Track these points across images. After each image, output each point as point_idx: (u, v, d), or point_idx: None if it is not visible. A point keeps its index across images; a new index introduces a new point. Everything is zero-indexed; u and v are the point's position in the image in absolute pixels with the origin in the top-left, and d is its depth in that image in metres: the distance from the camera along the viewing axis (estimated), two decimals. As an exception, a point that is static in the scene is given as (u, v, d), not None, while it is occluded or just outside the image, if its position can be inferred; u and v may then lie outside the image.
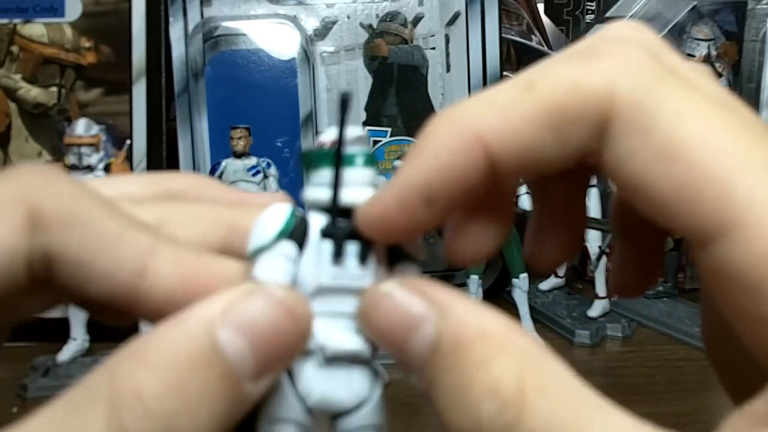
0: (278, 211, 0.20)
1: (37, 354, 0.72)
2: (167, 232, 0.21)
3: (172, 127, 0.84)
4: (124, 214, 0.20)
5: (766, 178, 0.16)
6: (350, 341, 0.20)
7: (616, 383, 0.69)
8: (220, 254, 0.21)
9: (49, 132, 0.84)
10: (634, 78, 0.18)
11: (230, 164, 0.78)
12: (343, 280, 0.20)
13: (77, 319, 0.72)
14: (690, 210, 0.17)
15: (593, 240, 0.83)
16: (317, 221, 0.20)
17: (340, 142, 0.20)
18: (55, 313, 0.69)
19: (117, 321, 0.22)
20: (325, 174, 0.20)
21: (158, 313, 0.19)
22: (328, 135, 0.21)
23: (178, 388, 0.16)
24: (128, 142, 0.82)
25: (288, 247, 0.20)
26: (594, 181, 0.84)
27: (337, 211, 0.20)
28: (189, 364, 0.16)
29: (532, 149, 0.19)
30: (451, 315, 0.18)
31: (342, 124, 0.20)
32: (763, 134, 0.18)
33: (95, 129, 0.75)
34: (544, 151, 0.19)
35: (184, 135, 0.83)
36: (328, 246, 0.20)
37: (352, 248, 0.20)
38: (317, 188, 0.21)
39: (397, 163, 0.82)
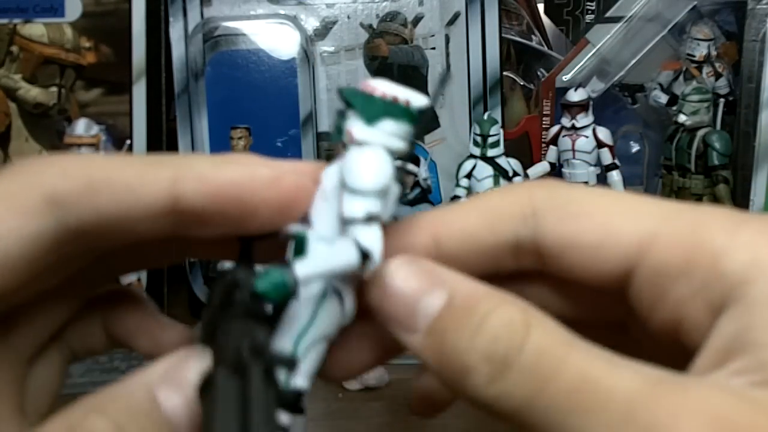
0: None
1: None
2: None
3: (172, 127, 0.84)
4: (137, 160, 0.22)
5: None
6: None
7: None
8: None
9: (49, 132, 0.84)
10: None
11: (230, 164, 0.78)
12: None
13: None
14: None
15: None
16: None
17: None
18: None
19: (175, 259, 0.29)
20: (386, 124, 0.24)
21: (204, 233, 0.23)
22: (382, 85, 0.24)
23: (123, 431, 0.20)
24: (128, 142, 0.82)
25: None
26: (593, 181, 0.85)
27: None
28: (132, 415, 0.20)
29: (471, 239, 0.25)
30: (461, 281, 0.22)
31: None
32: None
33: (95, 129, 0.75)
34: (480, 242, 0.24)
35: (184, 135, 0.83)
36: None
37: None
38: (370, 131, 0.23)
39: (396, 162, 0.82)
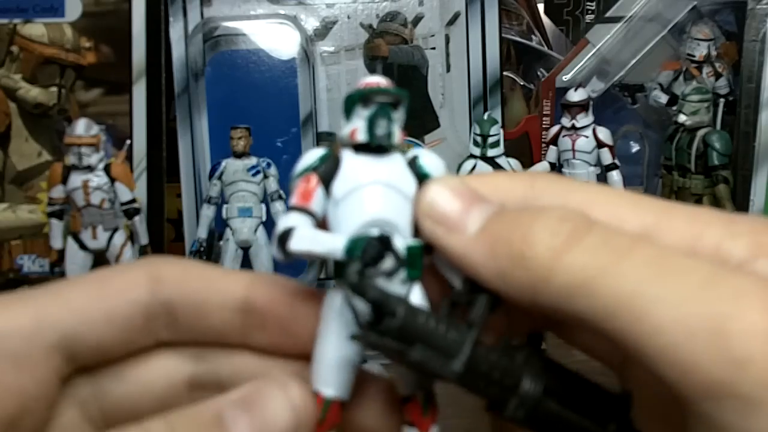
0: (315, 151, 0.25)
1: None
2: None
3: (172, 127, 0.84)
4: (222, 267, 0.28)
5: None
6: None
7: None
8: None
9: (49, 132, 0.84)
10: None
11: (230, 164, 0.78)
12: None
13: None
14: None
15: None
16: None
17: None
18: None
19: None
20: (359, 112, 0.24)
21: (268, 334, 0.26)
22: (369, 79, 0.25)
23: None
24: (128, 142, 0.82)
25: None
26: (593, 180, 0.84)
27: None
28: (193, 426, 0.22)
29: None
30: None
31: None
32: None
33: (95, 129, 0.75)
34: None
35: (184, 135, 0.83)
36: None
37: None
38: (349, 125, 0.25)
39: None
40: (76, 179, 0.75)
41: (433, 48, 0.87)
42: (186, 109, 0.83)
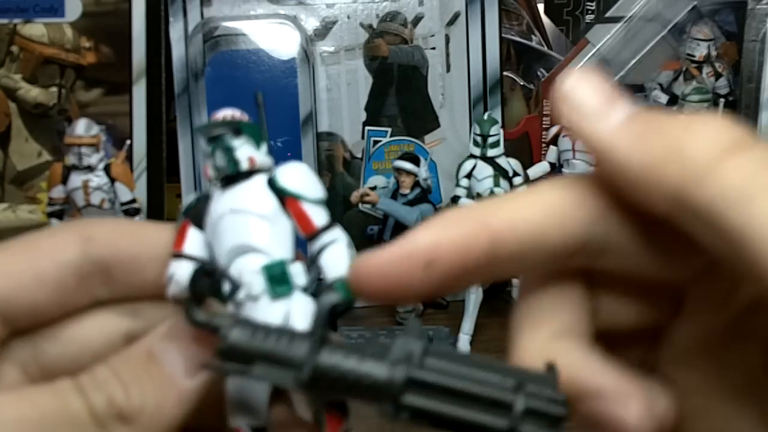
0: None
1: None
2: None
3: (172, 127, 0.84)
4: (150, 223, 0.28)
5: None
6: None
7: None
8: None
9: (49, 132, 0.84)
10: None
11: (230, 164, 0.78)
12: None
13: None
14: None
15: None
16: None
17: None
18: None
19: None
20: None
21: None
22: (216, 113, 0.26)
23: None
24: (128, 142, 0.82)
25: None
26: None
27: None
28: (129, 364, 0.24)
29: (535, 234, 0.21)
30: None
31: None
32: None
33: (95, 129, 0.75)
34: (545, 238, 0.21)
35: (184, 135, 0.83)
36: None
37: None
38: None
39: (396, 163, 0.82)
40: (76, 179, 0.75)
41: (433, 48, 0.87)
42: (186, 109, 0.83)
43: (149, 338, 0.24)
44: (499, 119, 0.83)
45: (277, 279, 0.24)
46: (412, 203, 0.81)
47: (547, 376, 0.20)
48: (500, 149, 0.80)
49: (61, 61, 0.83)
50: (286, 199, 0.25)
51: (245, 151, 0.25)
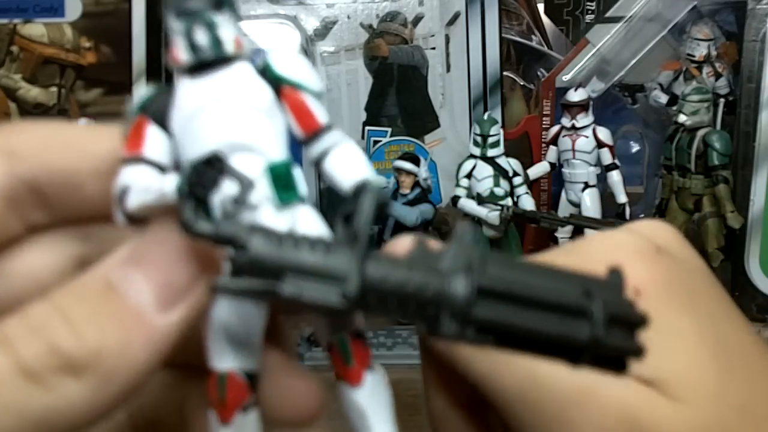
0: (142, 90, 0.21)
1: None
2: None
3: (172, 127, 0.84)
4: (85, 127, 0.23)
5: None
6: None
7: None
8: None
9: (49, 132, 0.84)
10: None
11: (230, 164, 0.78)
12: None
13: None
14: None
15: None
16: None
17: None
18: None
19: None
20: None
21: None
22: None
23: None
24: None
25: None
26: (593, 181, 0.84)
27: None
28: (79, 297, 0.18)
29: None
30: None
31: None
32: None
33: (95, 129, 0.75)
34: None
35: (184, 135, 0.83)
36: None
37: None
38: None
39: (396, 162, 0.82)
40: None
41: (433, 48, 0.87)
42: (186, 109, 0.83)
43: (106, 264, 0.19)
44: (499, 119, 0.83)
45: (283, 183, 0.20)
46: (412, 203, 0.81)
47: (611, 281, 0.18)
48: (500, 149, 0.80)
49: (61, 61, 0.83)
50: (283, 89, 0.21)
51: (229, 31, 0.20)
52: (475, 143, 0.80)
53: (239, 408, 0.20)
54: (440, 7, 0.86)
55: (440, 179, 0.87)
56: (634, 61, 0.90)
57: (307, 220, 0.20)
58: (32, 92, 0.83)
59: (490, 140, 0.79)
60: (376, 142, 0.87)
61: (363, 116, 0.87)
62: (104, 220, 0.21)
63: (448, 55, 0.87)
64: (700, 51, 0.87)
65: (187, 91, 0.20)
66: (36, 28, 0.83)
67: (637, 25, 0.89)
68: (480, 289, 0.17)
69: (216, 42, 0.20)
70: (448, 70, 0.87)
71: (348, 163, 0.21)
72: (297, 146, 0.21)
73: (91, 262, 0.20)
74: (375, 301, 0.17)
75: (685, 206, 0.83)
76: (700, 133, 0.80)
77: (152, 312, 0.18)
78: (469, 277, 0.17)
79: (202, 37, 0.20)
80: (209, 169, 0.19)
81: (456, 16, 0.86)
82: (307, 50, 0.84)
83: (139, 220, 0.19)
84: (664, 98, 0.89)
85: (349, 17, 0.86)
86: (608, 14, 0.91)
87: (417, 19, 0.86)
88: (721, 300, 0.23)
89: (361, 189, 0.20)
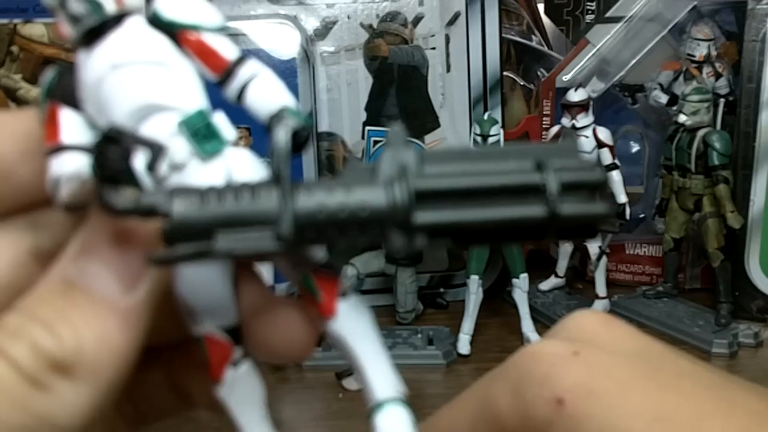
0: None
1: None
2: None
3: (172, 127, 0.84)
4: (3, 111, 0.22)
5: None
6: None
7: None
8: None
9: (49, 132, 0.84)
10: None
11: (230, 164, 0.78)
12: None
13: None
14: None
15: (593, 240, 0.83)
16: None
17: None
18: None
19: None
20: None
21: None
22: None
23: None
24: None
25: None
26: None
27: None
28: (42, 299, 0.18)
29: None
30: None
31: None
32: None
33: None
34: None
35: (184, 135, 0.83)
36: None
37: None
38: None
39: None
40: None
41: (433, 48, 0.87)
42: (186, 109, 0.83)
43: (60, 265, 0.19)
44: (499, 119, 0.83)
45: (203, 134, 0.19)
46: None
47: (565, 147, 0.17)
48: (500, 149, 0.80)
49: (61, 61, 0.83)
50: (179, 34, 0.19)
51: None
52: (475, 143, 0.80)
53: (227, 365, 0.20)
54: (440, 7, 0.86)
55: (440, 179, 0.87)
56: (634, 61, 0.90)
57: (242, 165, 0.20)
58: (32, 92, 0.83)
59: (490, 140, 0.79)
60: (376, 142, 0.87)
61: (363, 116, 0.87)
62: (47, 204, 0.20)
63: (448, 55, 0.87)
64: (700, 51, 0.87)
65: (86, 64, 0.19)
66: (36, 28, 0.83)
67: (637, 25, 0.89)
68: (418, 192, 0.16)
69: (95, 5, 0.19)
70: (448, 70, 0.87)
71: (264, 94, 0.20)
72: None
73: (47, 251, 0.20)
74: (314, 234, 0.16)
75: (686, 206, 0.83)
76: (700, 133, 0.80)
77: (117, 294, 0.18)
78: (403, 184, 0.16)
79: (76, 5, 0.19)
80: (112, 146, 0.18)
81: (456, 16, 0.86)
82: (307, 50, 0.84)
83: (79, 207, 0.19)
84: (664, 98, 0.89)
85: (349, 17, 0.86)
86: (608, 14, 0.91)
87: (417, 19, 0.86)
88: (663, 371, 0.20)
89: (274, 118, 0.19)
